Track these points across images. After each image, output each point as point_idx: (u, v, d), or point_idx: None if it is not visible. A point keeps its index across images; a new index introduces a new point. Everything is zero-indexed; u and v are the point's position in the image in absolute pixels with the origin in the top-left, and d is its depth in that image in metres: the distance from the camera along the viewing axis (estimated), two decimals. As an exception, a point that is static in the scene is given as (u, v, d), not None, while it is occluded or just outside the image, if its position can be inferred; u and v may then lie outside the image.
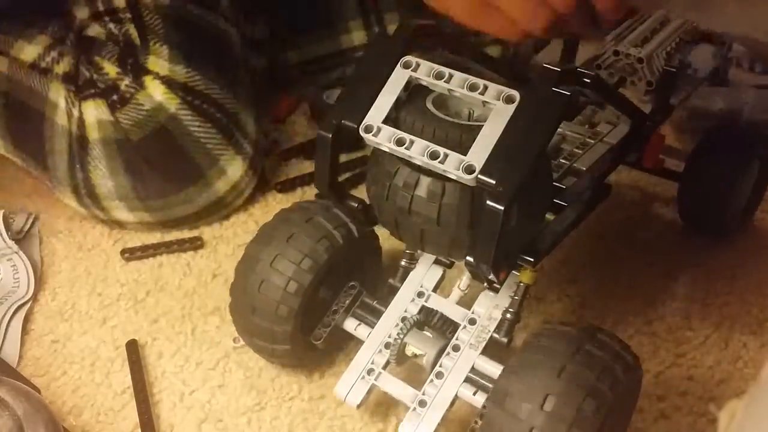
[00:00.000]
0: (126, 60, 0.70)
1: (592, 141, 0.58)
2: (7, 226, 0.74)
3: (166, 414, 0.58)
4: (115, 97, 0.70)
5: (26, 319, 0.66)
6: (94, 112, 0.70)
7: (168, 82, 0.70)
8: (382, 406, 0.57)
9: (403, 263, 0.57)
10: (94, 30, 0.72)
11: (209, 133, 0.72)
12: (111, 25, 0.71)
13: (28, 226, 0.75)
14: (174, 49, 0.71)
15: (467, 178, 0.42)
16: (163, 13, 0.71)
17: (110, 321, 0.66)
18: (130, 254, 0.72)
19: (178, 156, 0.72)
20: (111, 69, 0.70)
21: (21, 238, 0.73)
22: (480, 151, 0.42)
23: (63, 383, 0.61)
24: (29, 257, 0.71)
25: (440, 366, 0.52)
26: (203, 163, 0.72)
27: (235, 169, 0.74)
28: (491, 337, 0.52)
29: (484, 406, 0.49)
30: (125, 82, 0.70)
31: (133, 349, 0.62)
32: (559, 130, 0.56)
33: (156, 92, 0.70)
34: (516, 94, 0.43)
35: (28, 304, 0.66)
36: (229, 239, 0.74)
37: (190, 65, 0.71)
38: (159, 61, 0.71)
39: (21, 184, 0.82)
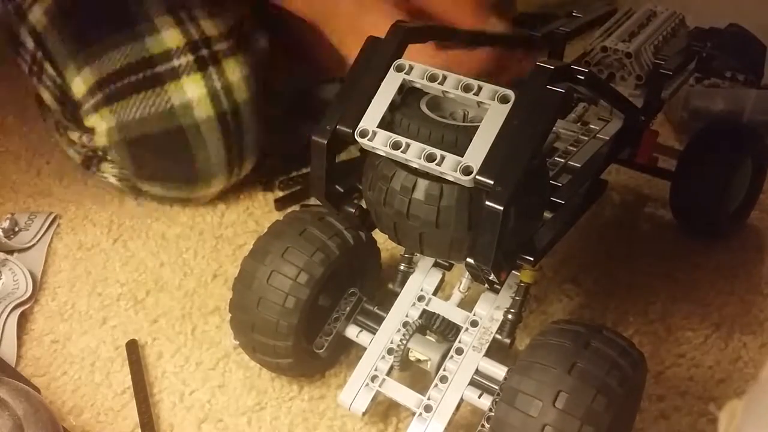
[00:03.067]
0: (207, 41, 0.71)
1: (586, 138, 0.58)
2: (26, 226, 0.75)
3: (166, 414, 0.58)
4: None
5: (26, 319, 0.66)
6: (195, 92, 0.71)
7: (225, 90, 0.71)
8: (382, 406, 0.57)
9: (401, 267, 0.57)
10: None
11: (220, 156, 0.73)
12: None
13: (46, 225, 0.76)
14: (251, 74, 0.73)
15: (465, 180, 0.42)
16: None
17: (110, 321, 0.66)
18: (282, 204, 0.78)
19: (184, 159, 0.73)
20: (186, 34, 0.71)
21: (38, 240, 0.74)
22: (477, 152, 0.42)
23: (63, 383, 0.61)
24: (37, 258, 0.72)
25: (444, 370, 0.52)
26: (201, 174, 0.74)
27: (217, 186, 0.76)
28: (494, 338, 0.52)
29: (490, 409, 0.49)
30: (186, 58, 0.70)
31: (133, 349, 0.62)
32: (553, 128, 0.55)
33: (190, 90, 0.71)
34: (510, 93, 0.43)
35: (27, 304, 0.67)
36: (230, 239, 0.74)
37: (252, 97, 0.73)
38: (236, 68, 0.72)
39: (24, 184, 0.82)
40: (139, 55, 0.71)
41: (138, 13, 0.71)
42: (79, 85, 0.72)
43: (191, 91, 0.70)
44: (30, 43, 0.75)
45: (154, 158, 0.74)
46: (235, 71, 0.72)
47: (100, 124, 0.72)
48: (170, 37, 0.71)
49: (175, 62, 0.70)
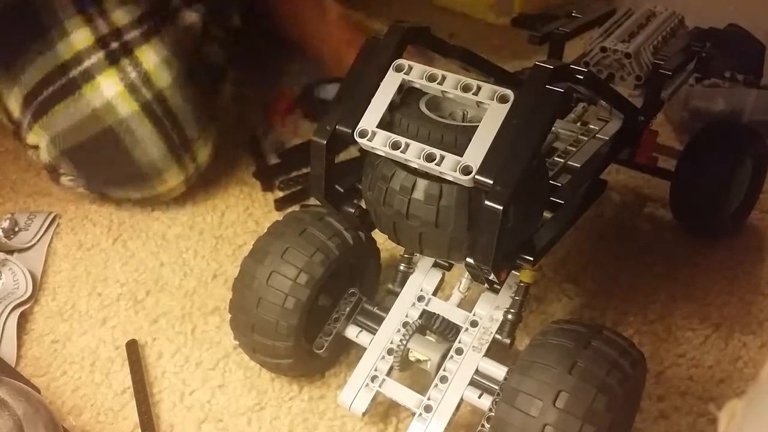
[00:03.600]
0: (116, 33, 0.69)
1: (585, 138, 0.58)
2: (25, 226, 0.75)
3: (166, 414, 0.58)
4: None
5: (26, 319, 0.66)
6: (112, 89, 0.69)
7: (143, 79, 0.69)
8: (382, 405, 0.57)
9: (401, 267, 0.57)
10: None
11: (159, 147, 0.71)
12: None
13: (46, 225, 0.76)
14: (173, 55, 0.71)
15: (464, 179, 0.42)
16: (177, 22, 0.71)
17: (110, 321, 0.66)
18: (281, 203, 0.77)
19: (124, 159, 0.71)
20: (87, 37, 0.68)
21: (38, 240, 0.74)
22: (476, 152, 0.42)
23: (63, 383, 0.61)
24: (37, 258, 0.72)
25: (444, 370, 0.52)
26: (147, 171, 0.72)
27: (175, 179, 0.75)
28: (493, 338, 0.52)
29: (490, 409, 0.49)
30: (97, 56, 0.69)
31: (133, 349, 0.62)
32: (552, 128, 0.56)
33: (107, 88, 0.69)
34: (510, 93, 0.43)
35: (27, 304, 0.67)
36: (230, 239, 0.74)
37: (176, 78, 0.71)
38: (150, 53, 0.69)
39: (23, 184, 0.82)
40: (52, 64, 0.69)
41: (49, 20, 0.70)
42: (13, 105, 0.72)
43: (108, 89, 0.69)
44: None
45: (95, 164, 0.73)
46: (150, 57, 0.70)
47: (39, 140, 0.72)
48: (79, 38, 0.69)
49: (87, 63, 0.69)
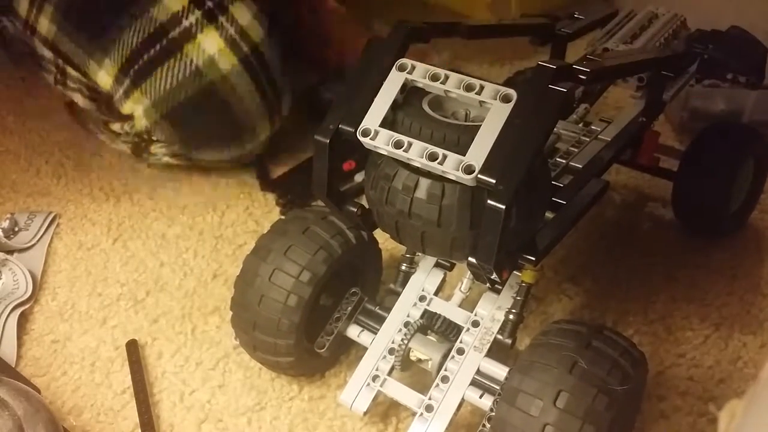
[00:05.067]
0: None
1: (587, 139, 0.58)
2: (25, 226, 0.75)
3: (166, 414, 0.58)
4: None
5: (26, 319, 0.66)
6: (214, 45, 0.71)
7: (240, 34, 0.71)
8: (382, 405, 0.57)
9: (403, 267, 0.57)
10: None
11: (255, 100, 0.73)
12: None
13: (46, 225, 0.76)
14: (260, 11, 0.73)
15: (467, 178, 0.42)
16: None
17: (110, 321, 0.66)
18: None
19: (224, 115, 0.73)
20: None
21: (38, 240, 0.74)
22: (479, 151, 0.42)
23: (63, 383, 0.61)
24: (37, 258, 0.71)
25: (445, 370, 0.52)
26: (243, 125, 0.75)
27: (264, 133, 0.77)
28: (495, 338, 0.52)
29: (491, 409, 0.49)
30: (194, 16, 0.70)
31: (133, 349, 0.62)
32: (554, 128, 0.56)
33: (208, 45, 0.70)
34: (512, 92, 0.43)
35: (27, 304, 0.66)
36: (230, 239, 0.74)
37: (267, 33, 0.73)
38: (243, 10, 0.72)
39: (23, 184, 0.82)
40: (149, 28, 0.71)
41: None
42: (104, 78, 0.73)
43: (210, 46, 0.71)
44: (48, 53, 0.75)
45: (196, 124, 0.74)
46: (244, 13, 0.72)
47: (136, 108, 0.73)
48: (173, 0, 0.71)
49: (186, 23, 0.71)
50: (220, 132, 0.75)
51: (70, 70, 0.74)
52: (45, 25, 0.74)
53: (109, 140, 0.80)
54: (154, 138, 0.75)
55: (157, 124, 0.73)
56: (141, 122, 0.73)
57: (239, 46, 0.71)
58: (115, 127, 0.77)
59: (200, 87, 0.71)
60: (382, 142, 0.44)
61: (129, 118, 0.74)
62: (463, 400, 0.51)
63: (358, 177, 0.76)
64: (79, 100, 0.76)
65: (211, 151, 0.77)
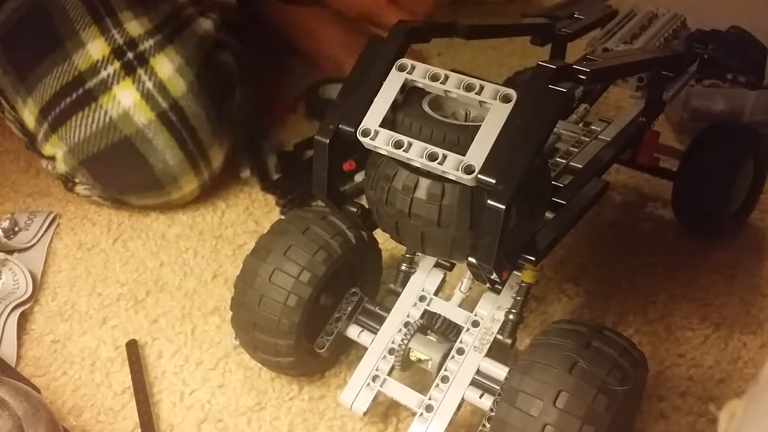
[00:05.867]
0: (131, 43, 0.69)
1: (587, 139, 0.58)
2: (25, 226, 0.75)
3: (166, 414, 0.58)
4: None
5: (26, 319, 0.66)
6: (129, 99, 0.69)
7: (158, 89, 0.69)
8: (382, 405, 0.57)
9: (403, 267, 0.57)
10: None
11: (175, 155, 0.72)
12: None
13: (46, 225, 0.76)
14: (186, 63, 0.71)
15: (467, 179, 0.42)
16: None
17: (110, 321, 0.66)
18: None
19: (141, 168, 0.72)
20: (102, 47, 0.69)
21: (38, 240, 0.74)
22: (478, 151, 0.42)
23: (63, 383, 0.61)
24: (37, 258, 0.71)
25: (445, 370, 0.52)
26: (162, 178, 0.73)
27: (189, 186, 0.75)
28: (495, 338, 0.52)
29: (491, 409, 0.49)
30: (113, 67, 0.69)
31: (133, 349, 0.62)
32: (554, 129, 0.56)
33: (124, 98, 0.69)
34: (512, 92, 0.43)
35: (27, 304, 0.66)
36: (230, 239, 0.74)
37: (191, 87, 0.71)
38: (165, 62, 0.70)
39: (23, 184, 0.82)
40: (69, 75, 0.70)
41: (65, 31, 0.70)
42: (28, 117, 0.72)
43: (125, 99, 0.69)
44: None
45: (114, 174, 0.73)
46: (165, 66, 0.70)
47: (55, 151, 0.72)
48: (95, 48, 0.70)
49: (103, 73, 0.69)
50: (141, 182, 0.73)
51: (3, 102, 0.74)
52: None
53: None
54: (77, 180, 0.75)
55: (77, 169, 0.73)
56: (61, 166, 0.73)
57: (156, 100, 0.69)
58: (43, 164, 0.76)
59: (115, 139, 0.70)
60: (382, 142, 0.44)
61: (52, 158, 0.74)
62: (463, 400, 0.51)
63: (359, 177, 0.76)
64: (15, 131, 0.76)
65: (135, 197, 0.75)
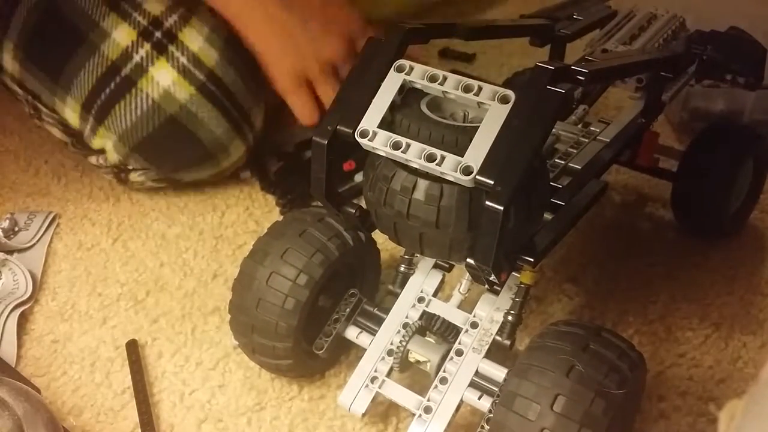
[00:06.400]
0: (156, 22, 0.70)
1: (586, 140, 0.58)
2: (25, 226, 0.75)
3: (166, 414, 0.58)
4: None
5: (26, 319, 0.66)
6: (167, 77, 0.70)
7: (193, 62, 0.70)
8: (382, 406, 0.57)
9: (401, 269, 0.57)
10: None
11: (221, 124, 0.72)
12: None
13: (46, 225, 0.76)
14: (212, 32, 0.72)
15: (465, 180, 0.42)
16: None
17: (110, 321, 0.66)
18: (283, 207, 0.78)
19: (191, 142, 0.73)
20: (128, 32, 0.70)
21: (38, 240, 0.74)
22: (477, 152, 0.42)
23: (63, 383, 0.61)
24: (37, 258, 0.72)
25: (444, 371, 0.52)
26: (213, 149, 0.74)
27: (238, 152, 0.76)
28: (493, 339, 0.52)
29: (490, 410, 0.49)
30: (144, 49, 0.70)
31: (133, 349, 0.62)
32: (553, 130, 0.56)
33: (162, 78, 0.70)
34: (511, 93, 0.43)
35: (27, 304, 0.67)
36: (230, 239, 0.74)
37: (222, 54, 0.72)
38: (194, 35, 0.70)
39: (23, 184, 0.82)
40: (102, 66, 0.70)
41: (85, 25, 0.71)
42: (71, 115, 0.73)
43: (163, 79, 0.70)
44: (18, 90, 0.76)
45: (167, 152, 0.74)
46: (195, 38, 0.71)
47: (105, 143, 0.73)
48: (121, 35, 0.70)
49: (136, 57, 0.70)
50: (192, 157, 0.74)
51: (41, 106, 0.75)
52: (9, 62, 0.74)
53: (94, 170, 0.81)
54: (130, 168, 0.76)
55: (129, 156, 0.73)
56: (113, 156, 0.74)
57: (193, 74, 0.70)
58: (92, 160, 0.77)
59: (161, 120, 0.71)
60: (380, 143, 0.45)
61: (102, 152, 0.74)
62: (461, 401, 0.51)
63: (358, 177, 0.76)
64: (57, 134, 0.77)
65: (189, 173, 0.76)
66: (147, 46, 0.70)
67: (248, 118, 0.75)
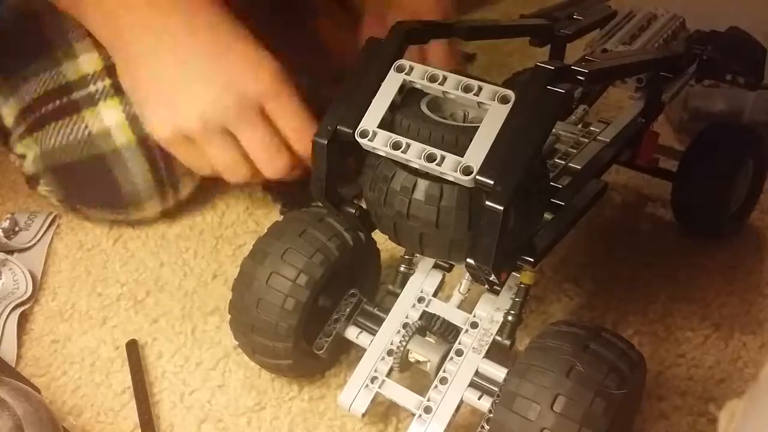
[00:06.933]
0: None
1: (586, 140, 0.58)
2: (25, 226, 0.75)
3: (166, 414, 0.58)
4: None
5: (26, 319, 0.66)
6: (113, 118, 0.69)
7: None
8: (382, 405, 0.57)
9: (401, 269, 0.57)
10: None
11: (146, 180, 0.71)
12: None
13: (46, 225, 0.76)
14: None
15: (465, 180, 0.42)
16: None
17: (110, 321, 0.66)
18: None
19: (108, 186, 0.71)
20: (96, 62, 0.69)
21: (38, 240, 0.74)
22: (477, 152, 0.42)
23: (63, 383, 0.61)
24: (37, 258, 0.72)
25: (444, 371, 0.52)
26: (127, 199, 0.72)
27: (152, 210, 0.74)
28: (493, 339, 0.52)
29: (490, 410, 0.49)
30: (103, 83, 0.69)
31: (133, 349, 0.62)
32: (553, 130, 0.56)
33: (108, 116, 0.69)
34: (511, 93, 0.43)
35: (27, 304, 0.67)
36: (230, 239, 0.74)
37: None
38: None
39: (23, 184, 0.82)
40: (56, 82, 0.70)
41: (57, 39, 0.70)
42: (7, 114, 0.72)
43: (108, 118, 0.69)
44: None
45: (78, 185, 0.72)
46: None
47: (27, 152, 0.72)
48: (87, 62, 0.70)
49: (92, 88, 0.69)
50: (104, 199, 0.73)
51: None
52: None
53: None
54: (41, 181, 0.74)
55: (42, 173, 0.72)
56: (29, 166, 0.73)
57: (140, 125, 0.69)
58: (11, 158, 0.75)
59: (89, 154, 0.69)
60: (380, 143, 0.45)
61: (21, 157, 0.73)
62: (461, 401, 0.51)
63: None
64: None
65: (94, 211, 0.75)
66: (107, 81, 0.69)
67: (176, 183, 0.73)
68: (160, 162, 0.71)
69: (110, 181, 0.71)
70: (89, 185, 0.72)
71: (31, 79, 0.70)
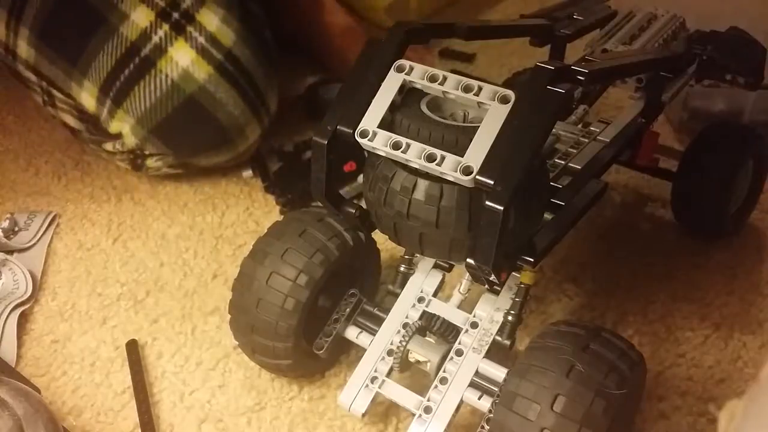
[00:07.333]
0: (174, 3, 0.70)
1: (586, 140, 0.58)
2: (25, 226, 0.75)
3: (166, 414, 0.58)
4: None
5: (26, 319, 0.66)
6: (186, 57, 0.70)
7: (210, 42, 0.70)
8: (382, 405, 0.57)
9: (401, 269, 0.57)
10: None
11: (238, 105, 0.73)
12: None
13: (46, 225, 0.76)
14: (228, 12, 0.72)
15: (465, 180, 0.42)
16: None
17: (110, 321, 0.66)
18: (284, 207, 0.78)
19: (209, 124, 0.73)
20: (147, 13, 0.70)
21: (38, 240, 0.74)
22: (477, 152, 0.42)
23: (63, 383, 0.61)
24: (37, 258, 0.72)
25: (444, 371, 0.52)
26: (230, 131, 0.74)
27: (254, 135, 0.76)
28: (493, 339, 0.52)
29: (490, 410, 0.49)
30: (163, 30, 0.70)
31: (133, 349, 0.62)
32: (553, 130, 0.56)
33: (181, 58, 0.70)
34: (510, 93, 0.43)
35: (27, 304, 0.67)
36: (230, 239, 0.74)
37: (239, 34, 0.72)
38: (210, 15, 0.71)
39: (23, 184, 0.82)
40: (122, 47, 0.71)
41: (104, 7, 0.71)
42: (87, 99, 0.73)
43: (182, 59, 0.70)
44: (32, 76, 0.76)
45: (185, 135, 0.74)
46: (211, 19, 0.71)
47: (122, 126, 0.73)
48: (140, 16, 0.71)
49: (155, 38, 0.70)
50: (210, 139, 0.75)
51: (55, 93, 0.75)
52: (24, 48, 0.74)
53: (108, 158, 0.81)
54: (147, 152, 0.76)
55: (147, 139, 0.74)
56: (130, 140, 0.74)
57: (211, 53, 0.71)
58: (108, 146, 0.77)
59: (180, 100, 0.71)
60: (380, 143, 0.45)
61: (118, 136, 0.74)
62: (461, 401, 0.51)
63: (360, 178, 0.76)
64: (70, 121, 0.77)
65: (206, 157, 0.77)
66: (165, 26, 0.70)
67: (264, 100, 0.75)
68: (242, 81, 0.73)
69: (208, 117, 0.72)
70: (192, 131, 0.74)
71: (97, 54, 0.71)
